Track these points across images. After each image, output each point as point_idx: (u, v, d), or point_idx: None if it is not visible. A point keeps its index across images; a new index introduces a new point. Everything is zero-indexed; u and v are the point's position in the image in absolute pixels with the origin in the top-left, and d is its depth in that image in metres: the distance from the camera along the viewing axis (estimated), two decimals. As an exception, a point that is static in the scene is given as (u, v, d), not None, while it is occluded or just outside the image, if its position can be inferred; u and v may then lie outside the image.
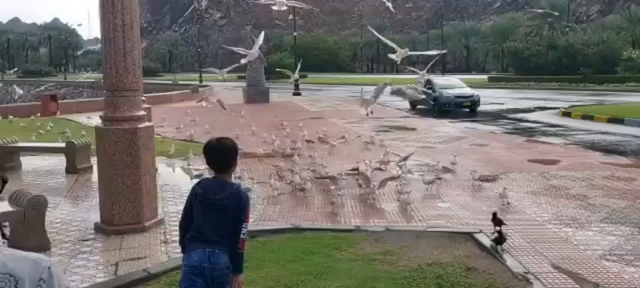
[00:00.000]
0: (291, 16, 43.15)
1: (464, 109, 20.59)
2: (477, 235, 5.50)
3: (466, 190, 7.68)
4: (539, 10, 53.65)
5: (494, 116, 19.30)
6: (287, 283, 4.34)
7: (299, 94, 33.07)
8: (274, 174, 8.55)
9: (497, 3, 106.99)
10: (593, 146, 11.95)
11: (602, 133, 14.22)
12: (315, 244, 5.35)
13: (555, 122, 17.07)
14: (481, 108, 20.79)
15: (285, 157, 10.01)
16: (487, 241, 5.27)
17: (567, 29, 51.75)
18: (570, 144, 12.52)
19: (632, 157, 10.28)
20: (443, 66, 66.22)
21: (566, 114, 18.87)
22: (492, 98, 25.91)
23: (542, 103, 24.05)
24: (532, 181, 8.19)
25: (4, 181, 5.30)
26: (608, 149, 11.45)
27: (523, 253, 5.06)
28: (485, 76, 50.50)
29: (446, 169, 8.68)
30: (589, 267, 4.72)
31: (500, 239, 5.07)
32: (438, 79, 24.04)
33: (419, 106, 21.72)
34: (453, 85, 22.69)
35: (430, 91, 20.77)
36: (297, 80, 24.68)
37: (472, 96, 20.98)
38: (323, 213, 6.61)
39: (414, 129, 15.41)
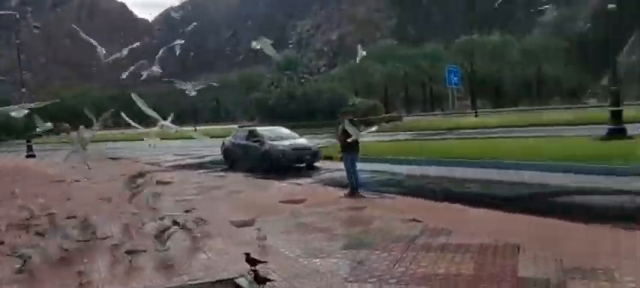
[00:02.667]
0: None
1: (302, 164, 17.33)
2: (238, 280, 5.62)
3: (225, 237, 7.80)
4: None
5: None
6: None
7: (33, 156, 29.32)
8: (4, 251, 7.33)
9: (240, 56, 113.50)
10: (332, 183, 13.47)
11: (339, 170, 16.10)
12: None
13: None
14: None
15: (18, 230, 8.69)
16: (248, 285, 5.42)
17: (302, 80, 57.92)
18: (315, 182, 13.92)
19: (363, 189, 11.89)
20: (194, 117, 66.81)
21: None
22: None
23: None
24: (284, 221, 8.78)
25: None
26: (343, 184, 13.03)
27: (281, 289, 5.36)
28: (235, 125, 52.75)
29: (201, 219, 8.66)
30: (337, 291, 5.25)
31: (261, 279, 5.27)
32: (263, 130, 19.76)
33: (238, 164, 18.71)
34: (283, 135, 18.95)
35: (256, 144, 18.03)
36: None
37: (311, 148, 17.74)
38: (72, 284, 5.91)
39: (170, 182, 15.06)
